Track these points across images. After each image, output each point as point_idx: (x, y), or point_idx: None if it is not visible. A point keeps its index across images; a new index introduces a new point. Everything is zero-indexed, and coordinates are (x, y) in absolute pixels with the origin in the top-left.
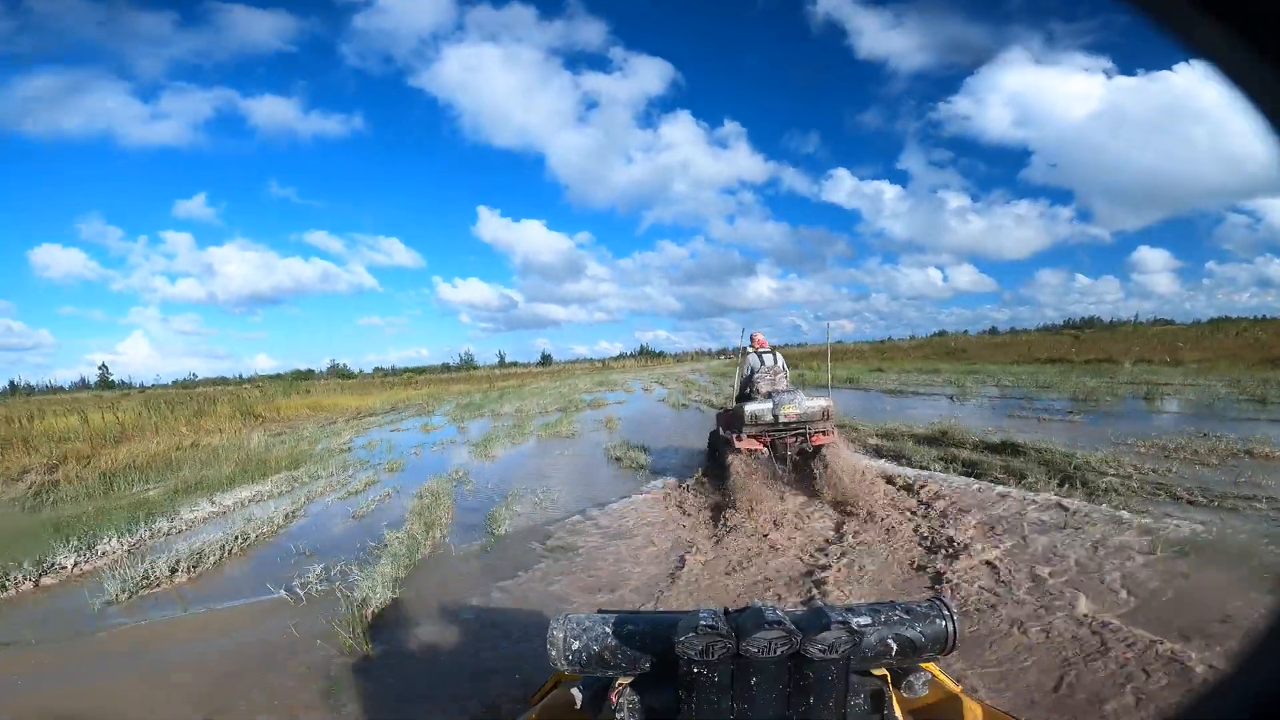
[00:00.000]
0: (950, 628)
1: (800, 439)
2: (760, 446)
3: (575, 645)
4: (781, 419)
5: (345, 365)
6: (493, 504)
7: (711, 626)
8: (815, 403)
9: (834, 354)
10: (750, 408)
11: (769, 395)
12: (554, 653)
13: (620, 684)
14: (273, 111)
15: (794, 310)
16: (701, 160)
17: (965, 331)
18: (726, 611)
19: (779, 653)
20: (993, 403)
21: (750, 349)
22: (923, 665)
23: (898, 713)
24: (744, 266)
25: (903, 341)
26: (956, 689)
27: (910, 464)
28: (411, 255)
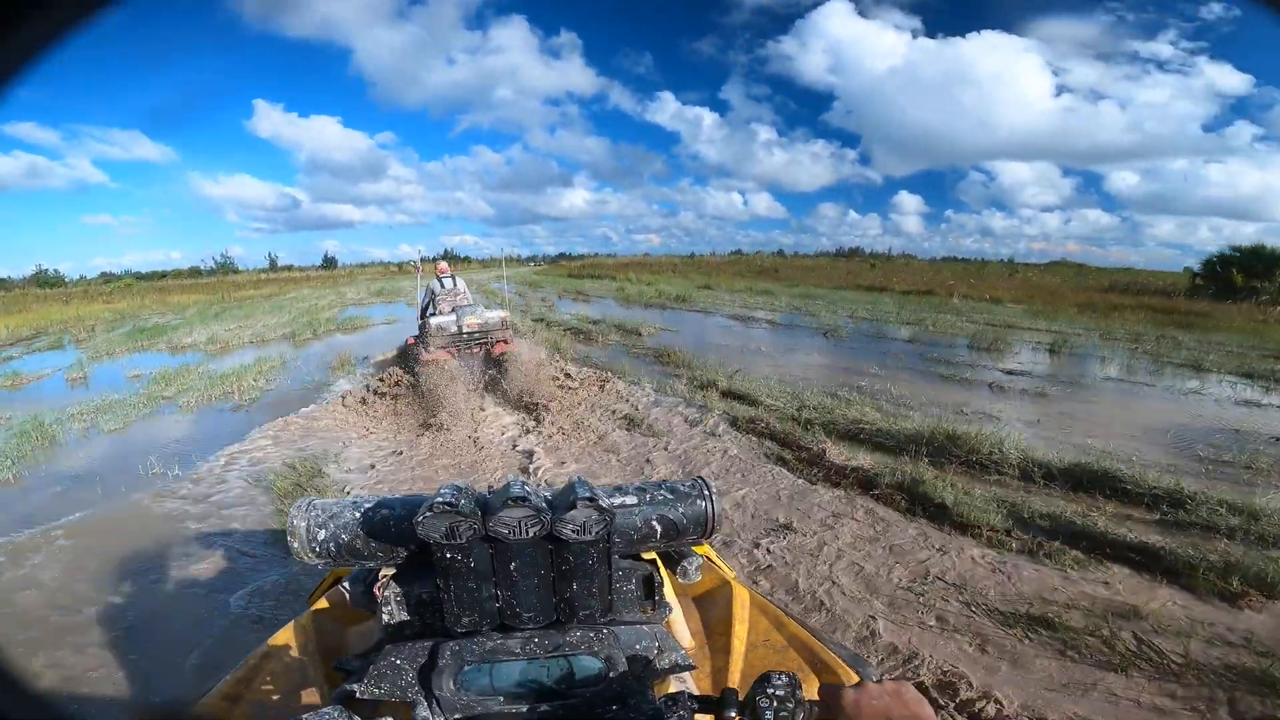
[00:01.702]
0: (709, 509)
1: (484, 348)
2: (448, 357)
3: (321, 535)
4: (465, 330)
5: (56, 271)
6: None
7: (449, 504)
8: (494, 314)
9: (646, 266)
10: (436, 321)
11: (452, 310)
12: (296, 545)
13: (384, 575)
14: None
15: (606, 222)
16: (531, 68)
17: (760, 251)
18: (489, 490)
19: (530, 533)
20: (879, 345)
21: (432, 276)
22: (697, 550)
23: (670, 597)
24: (561, 177)
25: (708, 257)
26: (730, 575)
27: None
28: (159, 150)
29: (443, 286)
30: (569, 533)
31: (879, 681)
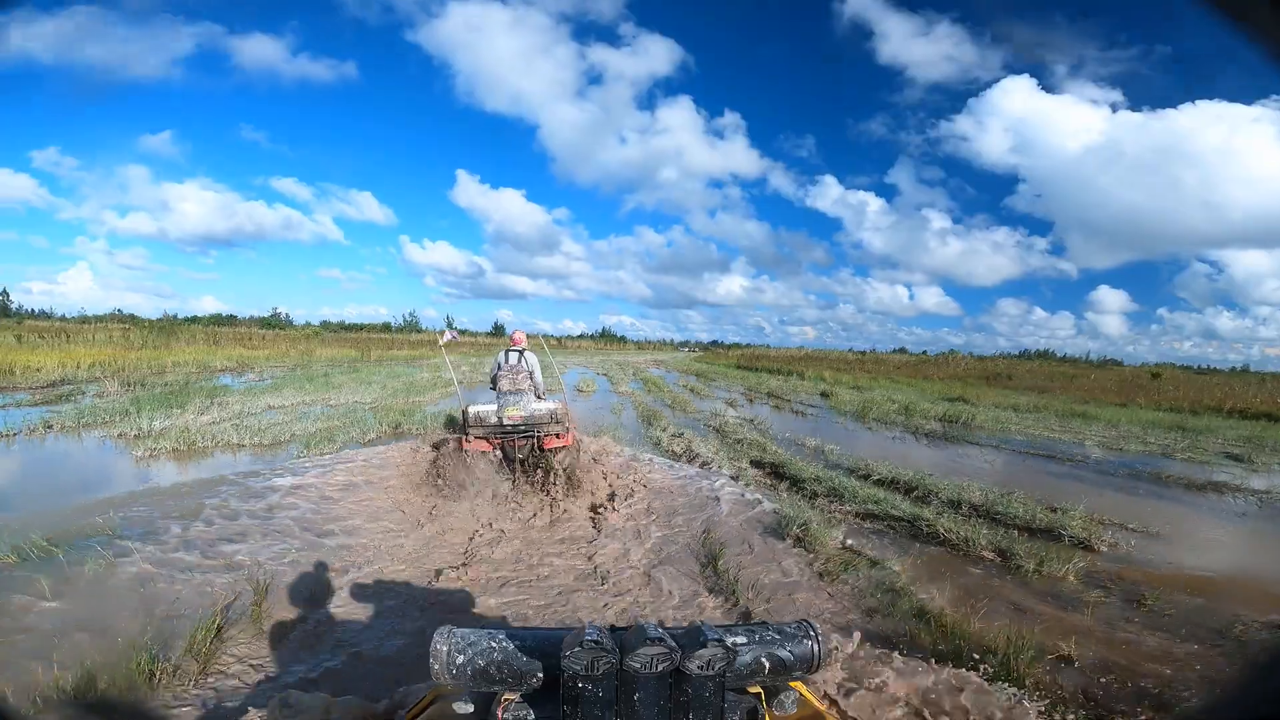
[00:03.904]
0: (816, 648)
1: (530, 441)
2: (489, 448)
3: (460, 660)
4: (506, 422)
5: (287, 315)
6: None
7: (596, 642)
8: (542, 406)
9: (825, 361)
10: (474, 409)
11: (499, 395)
12: (437, 666)
13: (507, 699)
14: (259, 51)
15: (761, 311)
16: (695, 149)
17: (925, 352)
18: (612, 628)
19: (660, 668)
20: None
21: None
22: (791, 684)
23: None
24: (719, 262)
25: (889, 355)
26: (821, 708)
27: None
28: (383, 212)
29: (507, 360)
30: (694, 669)
31: None
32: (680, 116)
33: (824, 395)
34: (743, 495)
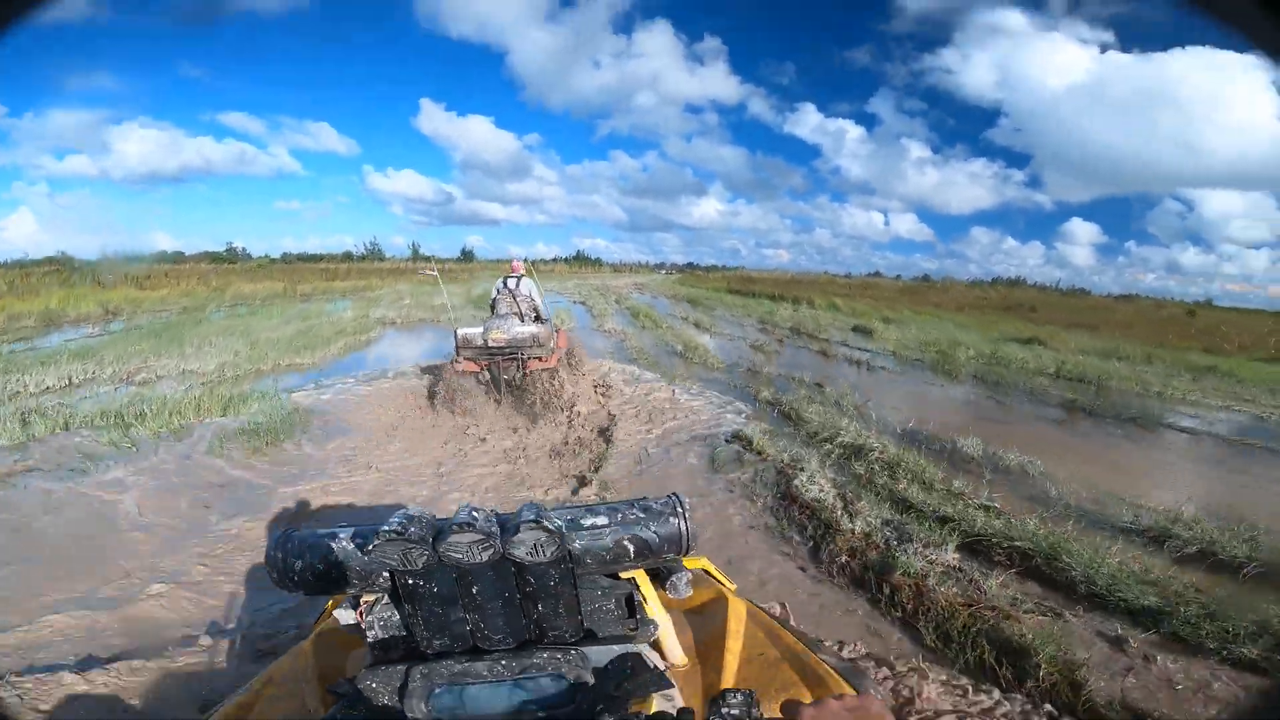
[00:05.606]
0: (683, 526)
1: (515, 364)
2: (477, 369)
3: (298, 565)
4: (490, 343)
5: (244, 249)
6: None
7: (398, 532)
8: (525, 329)
9: (801, 284)
10: (463, 331)
11: (483, 321)
12: (274, 575)
13: (366, 600)
14: None
15: (736, 235)
16: (673, 74)
17: (899, 276)
18: (480, 511)
19: (482, 557)
20: None
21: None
22: (691, 564)
23: (659, 613)
24: (695, 186)
25: (873, 279)
26: (730, 588)
27: None
28: (344, 142)
29: (505, 287)
30: (522, 555)
31: (861, 693)
32: (658, 41)
33: (858, 331)
34: None
